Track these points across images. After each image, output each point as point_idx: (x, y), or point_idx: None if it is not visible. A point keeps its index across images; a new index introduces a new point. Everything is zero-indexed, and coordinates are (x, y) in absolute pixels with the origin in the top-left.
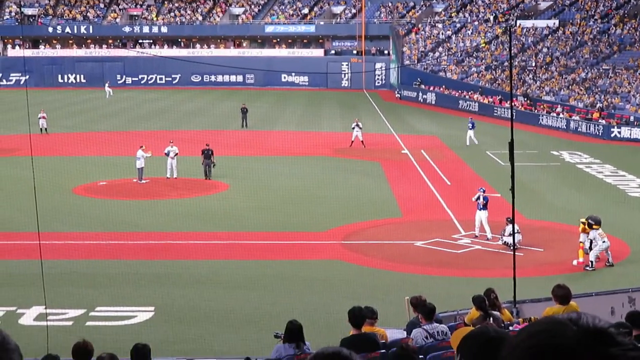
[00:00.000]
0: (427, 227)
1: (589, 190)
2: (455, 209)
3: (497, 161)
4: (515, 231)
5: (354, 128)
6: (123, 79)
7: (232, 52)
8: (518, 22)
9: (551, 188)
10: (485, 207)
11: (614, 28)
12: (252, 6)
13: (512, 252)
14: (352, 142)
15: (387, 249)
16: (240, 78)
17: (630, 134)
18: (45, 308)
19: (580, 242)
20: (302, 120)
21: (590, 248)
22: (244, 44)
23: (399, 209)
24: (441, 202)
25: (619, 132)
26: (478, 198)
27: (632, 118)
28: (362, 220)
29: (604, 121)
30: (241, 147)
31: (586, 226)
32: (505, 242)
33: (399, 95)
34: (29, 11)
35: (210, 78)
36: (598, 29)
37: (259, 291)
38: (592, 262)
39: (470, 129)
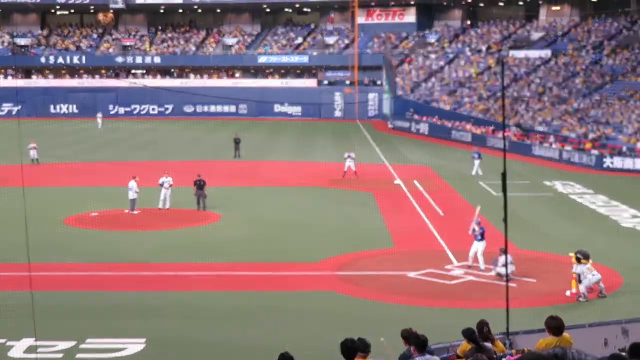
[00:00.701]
0: (420, 258)
1: (581, 221)
2: (448, 240)
3: (490, 191)
4: (509, 262)
5: (346, 158)
6: (115, 109)
7: (225, 82)
8: (510, 52)
9: (544, 218)
10: (482, 238)
11: (606, 58)
12: (245, 36)
13: (505, 283)
14: (345, 172)
15: (380, 280)
16: (233, 108)
17: (622, 164)
18: (35, 340)
19: (574, 272)
20: (295, 151)
21: (580, 281)
22: (237, 74)
23: (392, 240)
24: (434, 232)
25: (612, 163)
26: (474, 230)
27: (624, 148)
28: (355, 251)
29: (596, 151)
30: (234, 177)
31: (575, 260)
32: (498, 272)
33: (391, 126)
34: (21, 41)
35: (203, 108)
36: (590, 59)
37: (251, 323)
38: (584, 293)
39: (477, 159)
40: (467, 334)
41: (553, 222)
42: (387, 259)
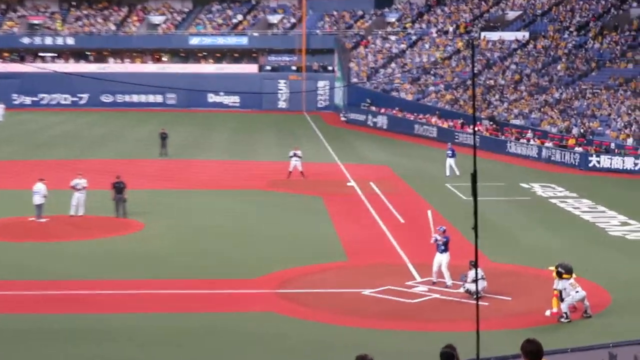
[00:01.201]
0: (376, 273)
1: (563, 229)
2: (409, 252)
3: (458, 195)
4: (479, 277)
5: (292, 157)
6: (20, 99)
7: (151, 67)
8: (482, 34)
9: (520, 226)
10: (446, 249)
11: (592, 42)
12: (175, 14)
13: (476, 302)
14: (290, 172)
15: (329, 298)
16: (159, 98)
17: (610, 164)
18: None
19: (555, 289)
20: (231, 148)
21: (562, 298)
22: (164, 58)
23: (344, 252)
24: (393, 243)
25: (598, 162)
26: (436, 240)
27: (612, 145)
28: (300, 264)
29: (580, 149)
30: (160, 179)
31: (555, 274)
32: (467, 289)
33: (345, 119)
34: None
35: (124, 98)
36: (574, 42)
37: (179, 349)
38: (566, 313)
39: (450, 157)
40: (445, 357)
41: (531, 231)
42: (338, 274)
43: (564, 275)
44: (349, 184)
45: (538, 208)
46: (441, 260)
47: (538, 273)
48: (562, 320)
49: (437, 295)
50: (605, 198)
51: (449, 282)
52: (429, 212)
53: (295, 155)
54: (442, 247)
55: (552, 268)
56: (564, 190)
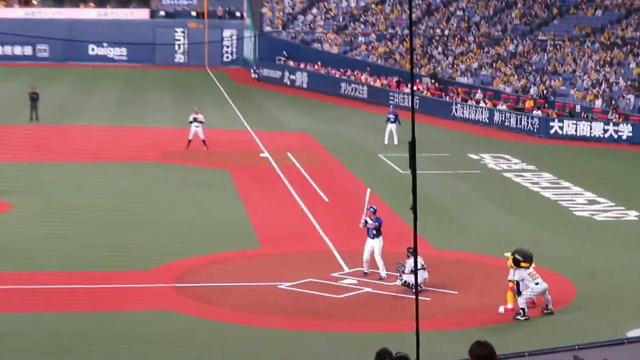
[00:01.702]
0: (296, 263)
1: (520, 209)
2: (335, 237)
3: (394, 168)
4: (419, 267)
5: (192, 122)
6: None
7: (17, 12)
8: None
9: (469, 206)
10: (378, 233)
11: None
12: None
13: (415, 296)
14: (190, 141)
15: (239, 294)
16: (28, 50)
17: (575, 130)
18: None
19: (510, 281)
20: (118, 111)
21: (519, 292)
22: (34, 1)
23: (256, 237)
24: (316, 226)
25: (561, 128)
26: (366, 223)
27: (578, 108)
28: (203, 253)
29: (540, 112)
30: (29, 149)
31: (512, 263)
32: (405, 282)
33: (256, 76)
34: None
35: None
36: None
37: (56, 356)
38: (523, 309)
39: (392, 122)
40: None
41: (481, 211)
42: (249, 265)
43: (522, 264)
44: (262, 155)
45: (490, 183)
46: (373, 246)
47: (490, 262)
48: (519, 317)
49: (369, 289)
50: (570, 171)
51: (382, 273)
52: (368, 191)
53: (195, 120)
54: (374, 232)
55: (508, 255)
56: (521, 162)
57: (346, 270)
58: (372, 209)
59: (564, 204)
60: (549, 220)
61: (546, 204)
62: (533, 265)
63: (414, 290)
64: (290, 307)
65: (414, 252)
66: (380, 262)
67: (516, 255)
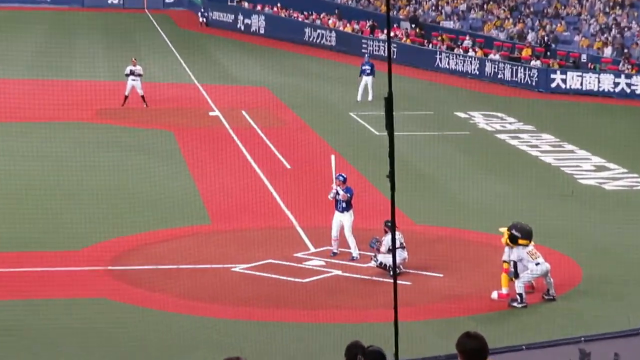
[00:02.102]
0: (252, 241)
1: (517, 176)
2: (299, 210)
3: (368, 129)
4: (398, 245)
5: (129, 75)
6: None
7: None
8: None
9: (456, 173)
10: (348, 206)
11: None
12: None
13: (393, 280)
14: (127, 97)
15: (185, 278)
16: None
17: (581, 84)
18: None
19: (505, 261)
20: (39, 62)
21: (517, 274)
22: None
23: (206, 212)
24: (276, 198)
25: (564, 81)
26: (336, 194)
27: (584, 57)
28: (143, 230)
29: (539, 62)
30: None
31: (508, 240)
32: (381, 263)
33: (204, 20)
34: None
35: None
36: None
37: None
38: (521, 294)
39: (368, 74)
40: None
41: (471, 180)
42: (197, 244)
43: (520, 241)
44: (211, 113)
45: (481, 147)
46: (342, 221)
47: (481, 239)
48: (515, 304)
49: (339, 272)
50: (575, 132)
51: (354, 252)
52: (332, 158)
53: (133, 73)
54: (343, 204)
55: (503, 231)
56: (517, 122)
57: (312, 249)
58: (341, 178)
59: (568, 171)
60: (551, 190)
61: (547, 171)
62: (532, 242)
63: (391, 272)
64: (246, 293)
65: (391, 227)
66: (351, 240)
67: (513, 231)
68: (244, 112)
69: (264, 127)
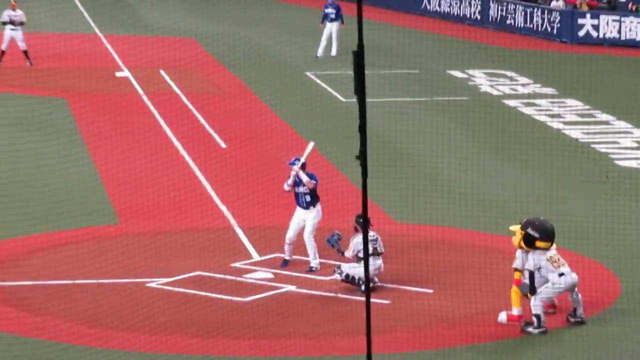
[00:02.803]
0: (175, 247)
1: (532, 157)
2: (239, 206)
3: (331, 94)
4: (371, 250)
5: (6, 24)
6: None
7: None
8: None
9: (451, 153)
10: (314, 199)
11: None
12: None
13: (366, 298)
14: (3, 53)
15: (82, 297)
16: None
17: (619, 31)
18: None
19: (517, 270)
20: None
21: (533, 288)
22: None
23: (112, 207)
24: (208, 189)
25: (595, 28)
26: (297, 184)
27: None
28: (27, 233)
29: (561, 2)
30: None
31: (522, 242)
32: (347, 276)
33: None
34: None
35: None
36: None
37: None
38: (538, 316)
39: (332, 20)
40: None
41: (470, 162)
42: (100, 251)
43: (538, 244)
44: (119, 74)
45: (483, 117)
46: (305, 220)
47: (483, 242)
48: (531, 330)
49: (292, 287)
50: (610, 97)
51: (314, 262)
52: (310, 146)
53: (12, 22)
54: (307, 197)
55: (515, 230)
56: (532, 83)
57: (256, 258)
58: (298, 163)
59: (601, 149)
60: (578, 175)
61: (573, 149)
62: (555, 245)
63: (362, 287)
64: (166, 317)
65: (363, 226)
66: (311, 246)
67: (528, 230)
68: (163, 73)
69: (191, 93)
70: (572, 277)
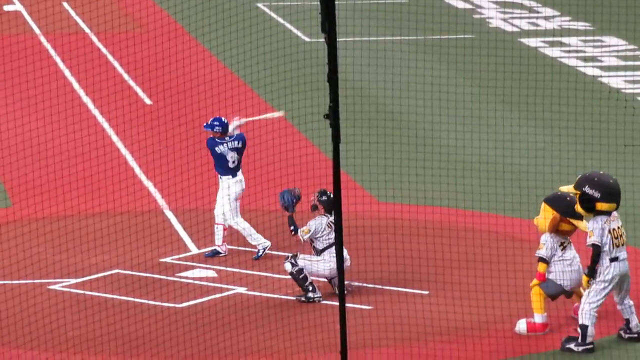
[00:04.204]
0: (86, 237)
1: (559, 113)
2: (170, 183)
3: (291, 30)
4: (326, 231)
5: None
6: None
7: None
8: None
9: (451, 110)
10: (237, 166)
11: None
12: None
13: (339, 303)
14: None
15: None
16: None
17: None
18: None
19: (542, 259)
20: None
21: (593, 272)
22: None
23: (2, 186)
24: (129, 161)
25: None
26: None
27: None
28: None
29: None
30: None
31: (579, 206)
32: (299, 271)
33: None
34: None
35: None
36: None
37: None
38: (585, 329)
39: None
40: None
41: (477, 120)
42: None
43: (600, 205)
44: (7, 7)
45: (494, 61)
46: (229, 195)
47: (496, 227)
48: (573, 347)
49: (242, 289)
50: None
51: (261, 247)
52: (278, 114)
53: None
54: (232, 163)
55: (569, 189)
56: (559, 16)
57: (194, 251)
58: (218, 125)
59: None
60: (620, 137)
61: (613, 103)
62: (615, 214)
63: (336, 290)
64: (74, 330)
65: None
66: (243, 225)
67: (586, 189)
68: (66, 6)
69: (104, 32)
70: (624, 265)
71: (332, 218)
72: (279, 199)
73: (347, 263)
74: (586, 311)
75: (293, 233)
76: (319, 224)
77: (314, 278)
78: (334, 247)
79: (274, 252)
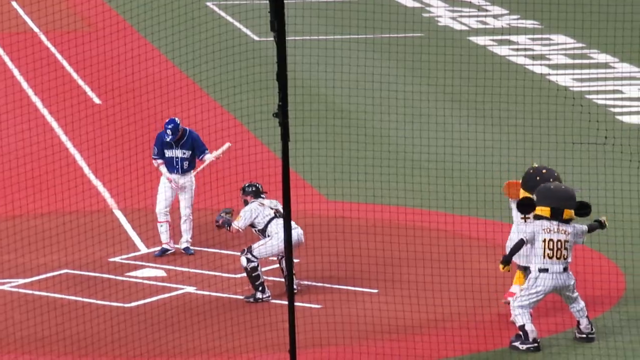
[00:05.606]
0: (34, 237)
1: (507, 111)
2: (119, 182)
3: (240, 30)
4: (275, 214)
5: None
6: None
7: None
8: None
9: (400, 107)
10: (192, 164)
11: None
12: None
13: (288, 302)
14: None
15: None
16: None
17: None
18: None
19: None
20: None
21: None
22: None
23: None
24: (77, 158)
25: None
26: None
27: None
28: None
29: None
30: None
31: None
32: (253, 268)
33: None
34: None
35: None
36: None
37: None
38: (523, 329)
39: None
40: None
41: (427, 118)
42: None
43: (537, 210)
44: None
45: (442, 60)
46: (185, 188)
47: (446, 225)
48: (518, 345)
49: (191, 289)
50: (609, 32)
51: (165, 248)
52: (226, 146)
53: None
54: (185, 161)
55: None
56: (506, 14)
57: (143, 250)
58: (171, 127)
59: (599, 100)
60: (568, 135)
61: (562, 101)
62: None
63: (259, 295)
64: (22, 331)
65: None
66: (185, 228)
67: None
68: (15, 5)
69: (53, 32)
70: (558, 279)
71: (262, 200)
72: (215, 220)
73: (302, 239)
74: (517, 313)
75: (228, 228)
76: (249, 209)
77: (272, 259)
78: (274, 219)
79: (222, 252)
